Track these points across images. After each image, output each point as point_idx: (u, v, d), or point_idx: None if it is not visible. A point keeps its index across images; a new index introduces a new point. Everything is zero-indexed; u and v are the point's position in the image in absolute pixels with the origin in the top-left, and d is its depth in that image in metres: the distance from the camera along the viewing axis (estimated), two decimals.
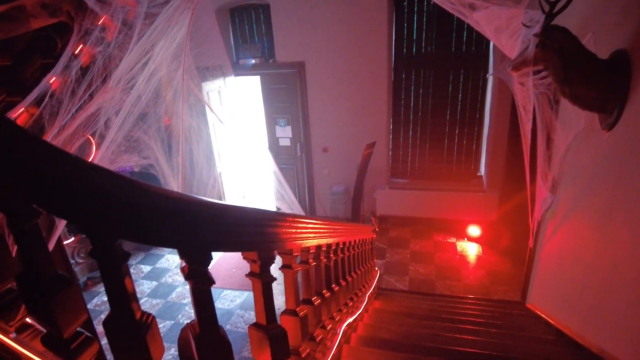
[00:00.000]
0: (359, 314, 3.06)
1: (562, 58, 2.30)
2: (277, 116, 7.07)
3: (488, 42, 5.63)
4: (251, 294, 4.50)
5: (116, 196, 0.77)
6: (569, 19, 2.38)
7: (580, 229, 2.96)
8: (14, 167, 0.69)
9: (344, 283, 2.61)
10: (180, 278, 5.66)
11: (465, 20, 3.01)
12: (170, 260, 6.21)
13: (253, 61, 6.66)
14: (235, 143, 7.76)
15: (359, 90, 6.27)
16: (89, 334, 0.90)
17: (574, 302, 3.02)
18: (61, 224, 2.34)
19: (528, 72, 2.70)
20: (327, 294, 2.15)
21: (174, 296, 5.33)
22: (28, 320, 1.06)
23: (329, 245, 2.19)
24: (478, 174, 6.57)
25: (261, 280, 1.27)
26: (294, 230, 1.45)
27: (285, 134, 7.13)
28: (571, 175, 3.20)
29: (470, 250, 6.09)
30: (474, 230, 6.29)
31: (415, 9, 5.89)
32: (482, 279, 5.34)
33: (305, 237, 1.63)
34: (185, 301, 5.19)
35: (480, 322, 3.52)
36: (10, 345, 0.84)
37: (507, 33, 2.62)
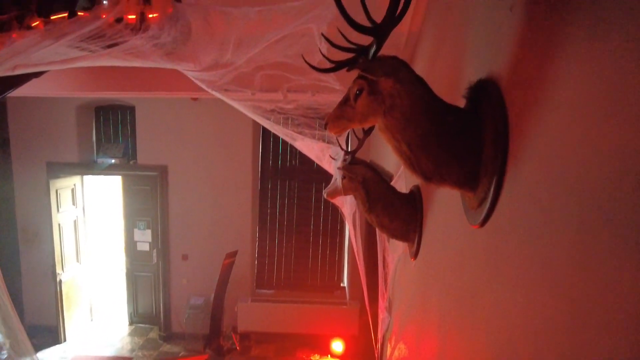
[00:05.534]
0: None
1: (366, 190, 2.45)
2: (137, 219, 6.56)
3: None
4: None
5: None
6: None
7: (402, 355, 2.93)
8: None
9: None
10: None
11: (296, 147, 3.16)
12: None
13: (113, 161, 6.26)
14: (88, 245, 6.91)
15: (224, 198, 6.16)
16: None
17: None
18: None
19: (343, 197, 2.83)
20: None
21: None
22: None
23: None
24: (341, 284, 6.59)
25: None
26: None
27: (144, 237, 6.59)
28: (397, 297, 3.27)
29: None
30: (338, 346, 6.08)
31: None
32: None
33: None
34: None
35: None
36: None
37: (325, 161, 2.75)
